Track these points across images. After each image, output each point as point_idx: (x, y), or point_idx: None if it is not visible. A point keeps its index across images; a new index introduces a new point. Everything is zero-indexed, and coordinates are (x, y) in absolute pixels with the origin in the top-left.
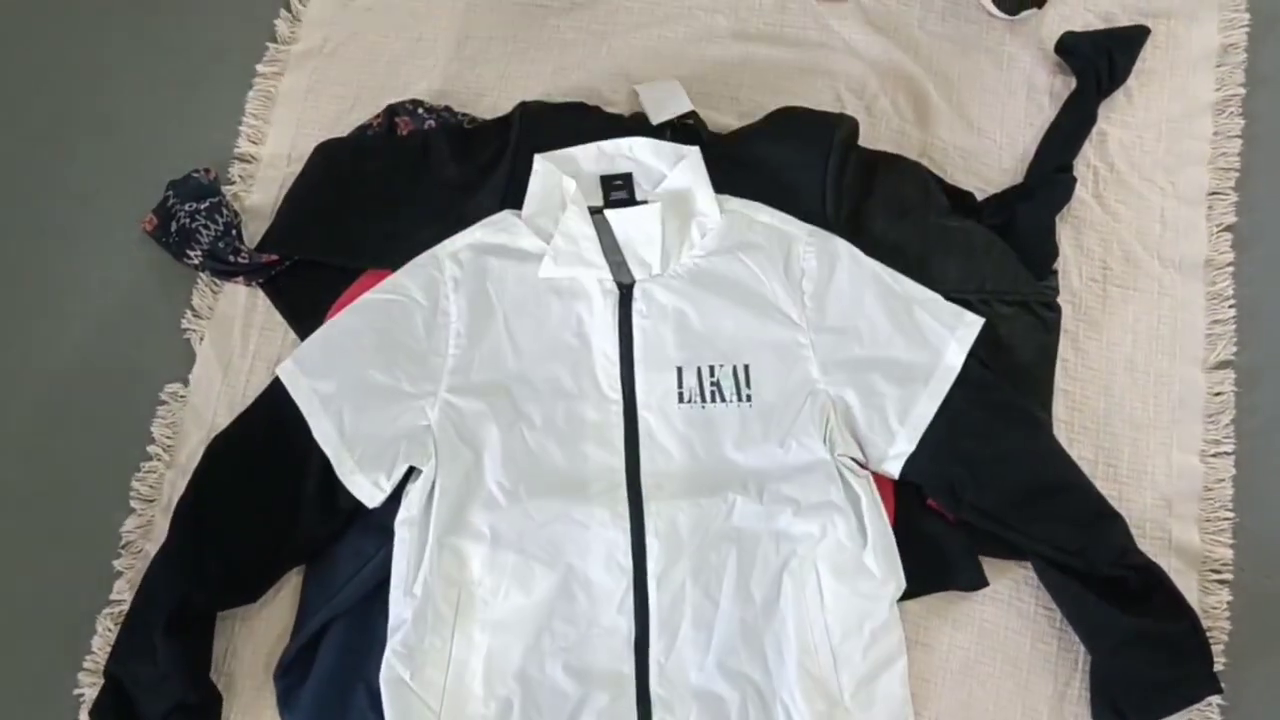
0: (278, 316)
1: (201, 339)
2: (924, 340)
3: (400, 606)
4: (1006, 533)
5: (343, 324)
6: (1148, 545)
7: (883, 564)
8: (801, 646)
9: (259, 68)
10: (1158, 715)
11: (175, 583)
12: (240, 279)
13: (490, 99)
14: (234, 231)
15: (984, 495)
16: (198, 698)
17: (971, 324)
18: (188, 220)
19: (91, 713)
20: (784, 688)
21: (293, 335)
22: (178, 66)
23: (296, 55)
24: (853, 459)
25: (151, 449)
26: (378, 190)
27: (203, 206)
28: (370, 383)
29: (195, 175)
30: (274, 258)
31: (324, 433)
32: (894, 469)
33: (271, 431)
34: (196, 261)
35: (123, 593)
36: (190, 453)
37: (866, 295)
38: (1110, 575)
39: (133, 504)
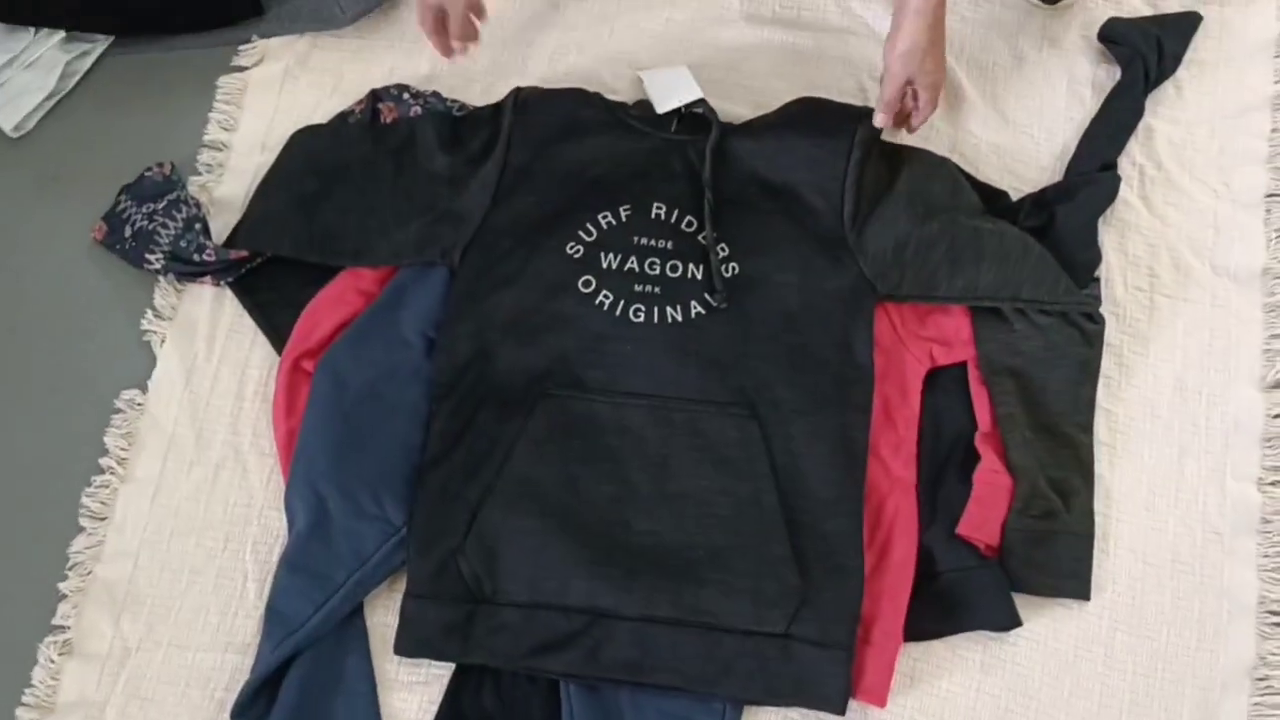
0: (247, 318)
1: (163, 341)
2: None
3: None
4: None
5: None
6: (1196, 583)
7: None
8: None
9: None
10: None
11: None
12: (207, 279)
13: (481, 85)
14: (197, 226)
15: None
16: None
17: None
18: (145, 222)
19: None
20: None
21: (262, 338)
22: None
23: (275, 43)
24: None
25: (104, 461)
26: (359, 182)
27: (160, 205)
28: None
29: (148, 174)
30: (244, 254)
31: None
32: None
33: None
34: (158, 265)
35: (68, 617)
36: (147, 465)
37: None
38: None
39: (82, 522)
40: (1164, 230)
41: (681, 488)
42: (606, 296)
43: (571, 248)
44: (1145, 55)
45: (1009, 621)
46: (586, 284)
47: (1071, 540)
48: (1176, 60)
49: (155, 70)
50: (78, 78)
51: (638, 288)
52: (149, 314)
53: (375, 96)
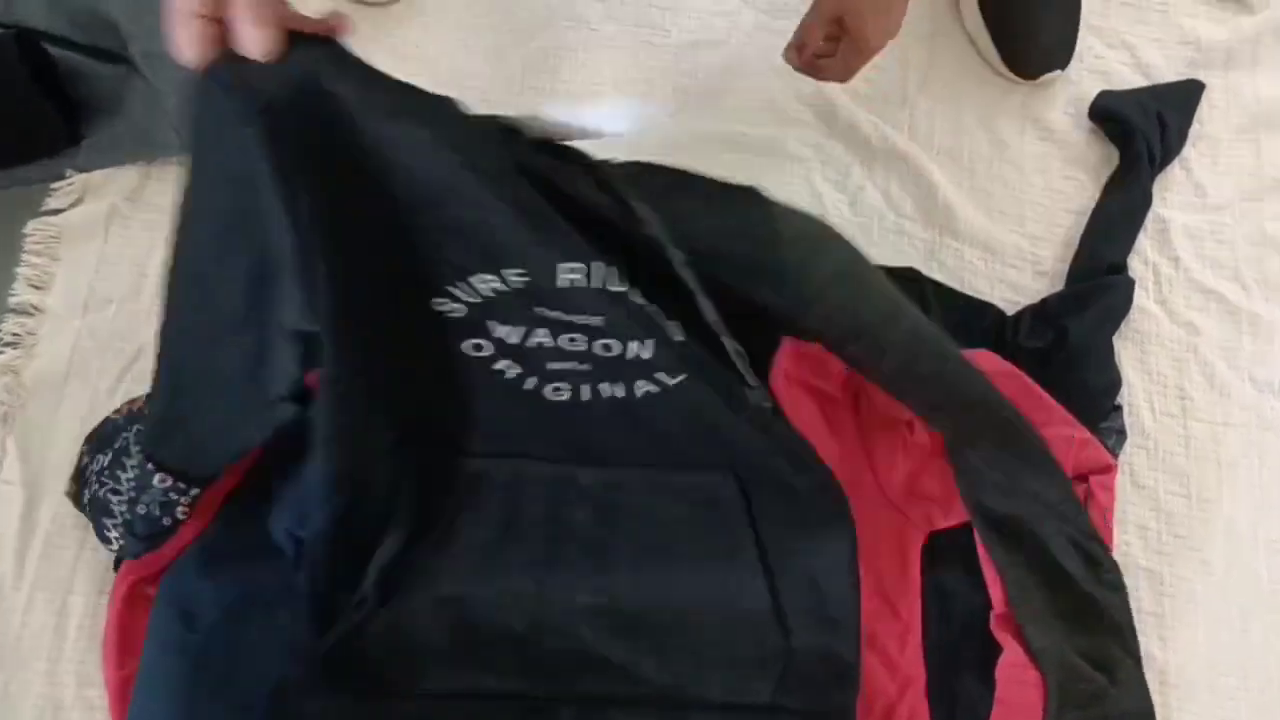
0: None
1: None
2: None
3: None
4: None
5: None
6: None
7: None
8: None
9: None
10: None
11: None
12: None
13: None
14: (157, 483)
15: None
16: None
17: None
18: (96, 485)
19: None
20: None
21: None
22: None
23: (97, 176)
24: None
25: None
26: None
27: (107, 460)
28: None
29: (113, 417)
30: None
31: None
32: None
33: None
34: (115, 547)
35: None
36: None
37: None
38: None
39: None
40: (1190, 340)
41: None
42: (511, 366)
43: (440, 303)
44: (1146, 132)
45: None
46: (477, 347)
47: None
48: (1181, 136)
49: None
50: None
51: (553, 365)
52: None
53: None
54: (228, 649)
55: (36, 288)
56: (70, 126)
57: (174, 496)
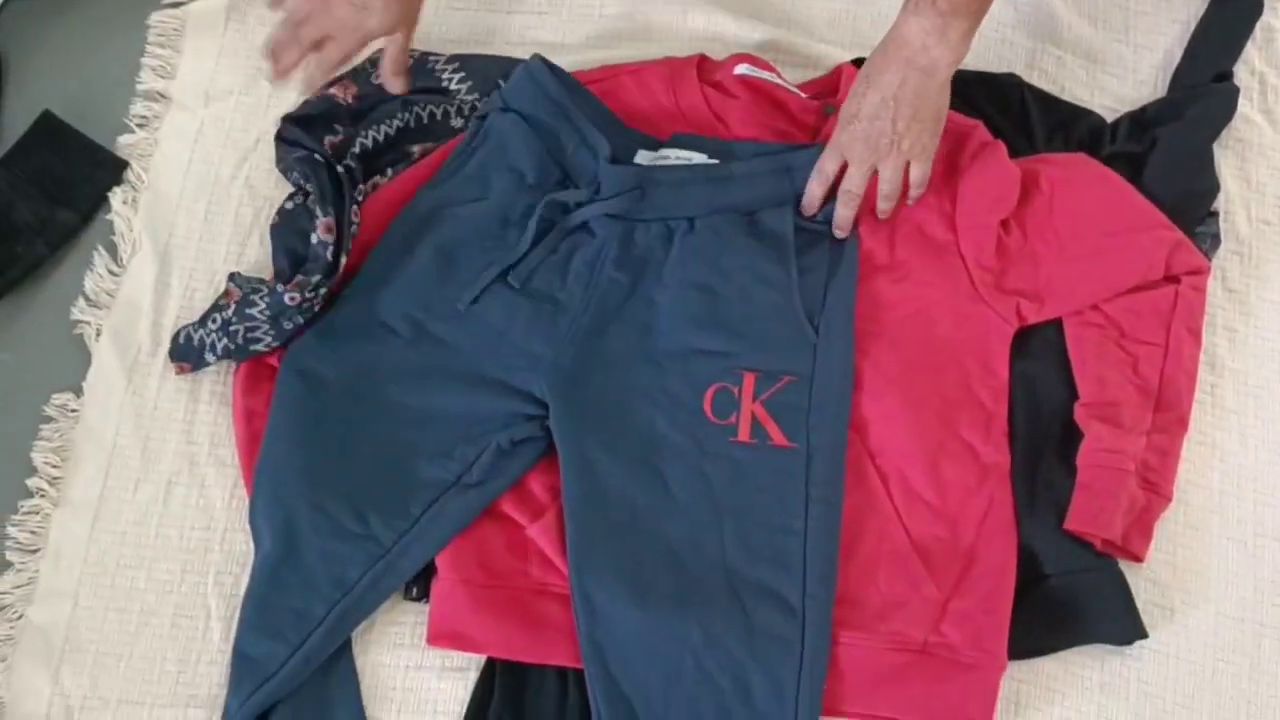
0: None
1: (98, 334)
2: None
3: None
4: None
5: None
6: None
7: None
8: None
9: None
10: None
11: None
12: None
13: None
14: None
15: None
16: None
17: None
18: (226, 340)
19: None
20: None
21: None
22: None
23: None
24: None
25: (33, 482)
26: None
27: (230, 312)
28: None
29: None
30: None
31: None
32: None
33: None
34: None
35: None
36: (84, 485)
37: None
38: None
39: (9, 555)
40: None
41: None
42: None
43: None
44: None
45: (1132, 632)
46: None
47: None
48: None
49: (71, 9)
50: None
51: None
52: (80, 301)
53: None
54: (349, 412)
55: (161, 76)
56: None
57: (308, 301)
